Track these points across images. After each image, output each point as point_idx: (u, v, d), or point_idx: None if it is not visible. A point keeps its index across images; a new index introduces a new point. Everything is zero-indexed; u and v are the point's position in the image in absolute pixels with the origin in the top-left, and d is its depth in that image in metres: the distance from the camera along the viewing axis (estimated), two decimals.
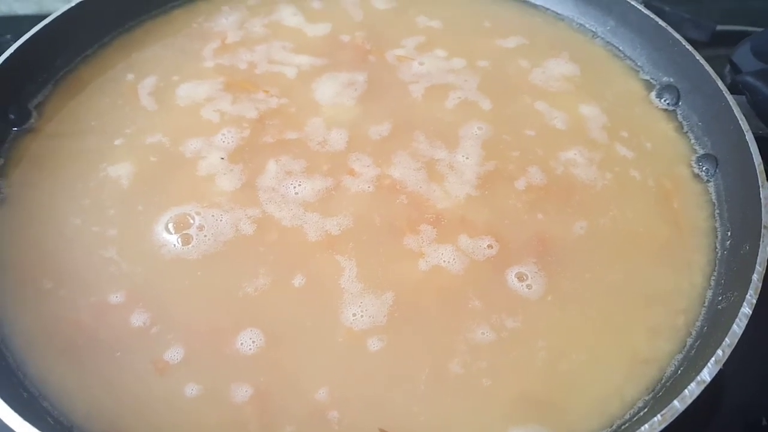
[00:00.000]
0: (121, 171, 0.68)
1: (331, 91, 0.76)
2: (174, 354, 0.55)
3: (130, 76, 0.78)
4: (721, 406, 0.65)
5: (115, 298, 0.58)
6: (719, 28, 0.98)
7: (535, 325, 0.57)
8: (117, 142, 0.70)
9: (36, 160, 0.69)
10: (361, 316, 0.57)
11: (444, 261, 0.61)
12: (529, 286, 0.59)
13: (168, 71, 0.78)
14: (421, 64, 0.79)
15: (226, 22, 0.85)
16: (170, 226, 0.63)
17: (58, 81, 0.77)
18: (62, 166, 0.68)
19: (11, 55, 0.70)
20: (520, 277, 0.60)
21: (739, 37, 0.90)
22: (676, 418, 0.47)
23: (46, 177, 0.68)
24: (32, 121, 0.72)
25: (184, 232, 0.62)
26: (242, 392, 0.53)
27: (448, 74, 0.78)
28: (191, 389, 0.53)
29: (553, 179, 0.67)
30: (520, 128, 0.72)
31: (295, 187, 0.66)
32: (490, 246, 0.62)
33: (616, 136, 0.72)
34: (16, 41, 0.71)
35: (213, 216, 0.63)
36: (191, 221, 0.63)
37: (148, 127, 0.72)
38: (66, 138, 0.71)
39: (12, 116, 0.71)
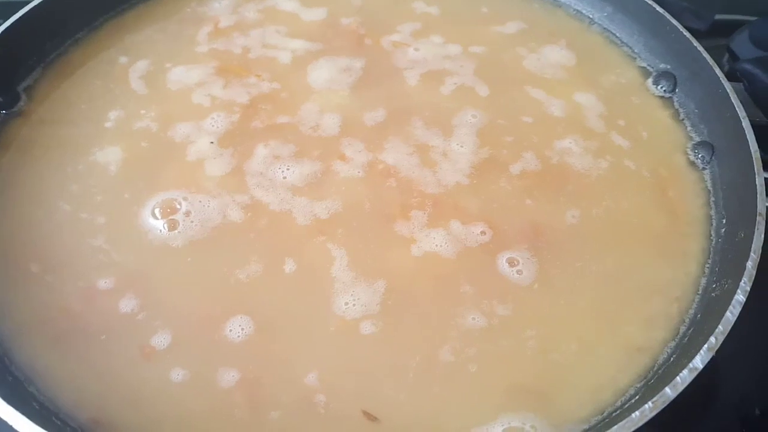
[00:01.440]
0: (110, 156, 0.67)
1: (326, 76, 0.75)
2: (161, 340, 0.54)
3: (123, 60, 0.77)
4: (715, 396, 0.64)
5: (104, 283, 0.58)
6: (718, 17, 0.97)
7: (526, 312, 0.57)
8: (107, 126, 0.70)
9: (25, 144, 0.68)
10: (354, 305, 0.56)
11: (436, 246, 0.60)
12: (519, 272, 0.59)
13: (160, 55, 0.77)
14: (416, 50, 0.78)
15: (219, 7, 0.84)
16: (157, 211, 0.62)
17: (48, 64, 0.76)
18: (51, 150, 0.68)
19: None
20: (512, 263, 0.59)
21: (738, 25, 0.89)
22: (671, 406, 0.46)
23: (36, 161, 0.67)
24: (21, 104, 0.71)
25: (170, 217, 0.61)
26: (229, 377, 0.53)
27: (444, 60, 0.77)
28: (178, 374, 0.53)
29: (548, 167, 0.67)
30: (516, 115, 0.71)
31: (283, 172, 0.65)
32: (483, 232, 0.61)
33: (612, 124, 0.71)
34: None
35: (200, 202, 0.63)
36: (178, 207, 0.62)
37: (138, 111, 0.71)
38: (55, 122, 0.70)
39: (1, 99, 0.70)
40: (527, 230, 0.61)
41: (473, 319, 0.56)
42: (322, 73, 0.75)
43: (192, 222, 0.61)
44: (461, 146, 0.68)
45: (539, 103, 0.73)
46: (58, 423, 0.49)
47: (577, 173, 0.66)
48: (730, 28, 0.91)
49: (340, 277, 0.58)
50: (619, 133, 0.70)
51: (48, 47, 0.76)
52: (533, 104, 0.73)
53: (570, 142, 0.69)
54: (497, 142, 0.68)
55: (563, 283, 0.59)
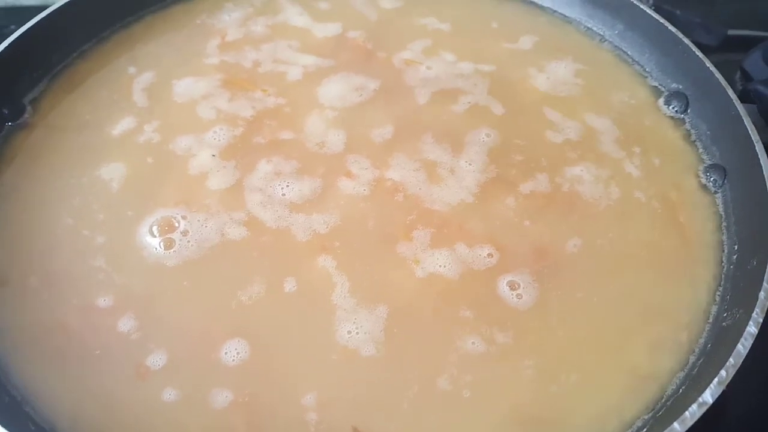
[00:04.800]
0: (114, 170, 0.66)
1: (335, 92, 0.74)
2: (157, 360, 0.53)
3: (131, 70, 0.76)
4: (723, 424, 0.63)
5: (102, 302, 0.57)
6: (731, 32, 0.95)
7: (529, 338, 0.55)
8: (111, 138, 0.69)
9: (29, 156, 0.68)
10: (357, 333, 0.55)
11: (440, 267, 0.59)
12: (519, 296, 0.57)
13: (168, 67, 0.77)
14: (428, 68, 0.77)
15: (229, 19, 0.83)
16: (155, 229, 0.61)
17: (55, 76, 0.76)
18: (55, 162, 0.67)
19: (5, 49, 0.68)
20: (512, 286, 0.58)
21: (751, 41, 0.88)
22: None
23: (39, 173, 0.66)
24: (27, 116, 0.71)
25: (167, 236, 0.61)
26: (223, 398, 0.52)
27: (457, 79, 0.76)
28: (170, 394, 0.52)
29: (557, 191, 0.65)
30: (527, 136, 0.70)
31: (283, 189, 0.64)
32: (490, 254, 0.60)
33: (627, 149, 0.69)
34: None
35: (199, 220, 0.62)
36: (176, 225, 0.62)
37: (142, 124, 0.70)
38: (60, 134, 0.70)
39: (6, 111, 0.70)
40: (531, 253, 0.60)
41: (473, 344, 0.55)
42: (331, 90, 0.74)
43: (188, 242, 0.60)
44: (470, 164, 0.67)
45: (551, 124, 0.71)
46: None
47: (586, 201, 0.65)
48: (743, 43, 0.90)
49: (341, 304, 0.57)
50: (631, 160, 0.68)
51: (54, 59, 0.76)
52: (545, 124, 0.71)
53: (581, 170, 0.67)
54: (508, 163, 0.67)
55: (571, 306, 0.57)
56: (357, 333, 0.55)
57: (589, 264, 0.60)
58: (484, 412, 0.52)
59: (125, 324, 0.55)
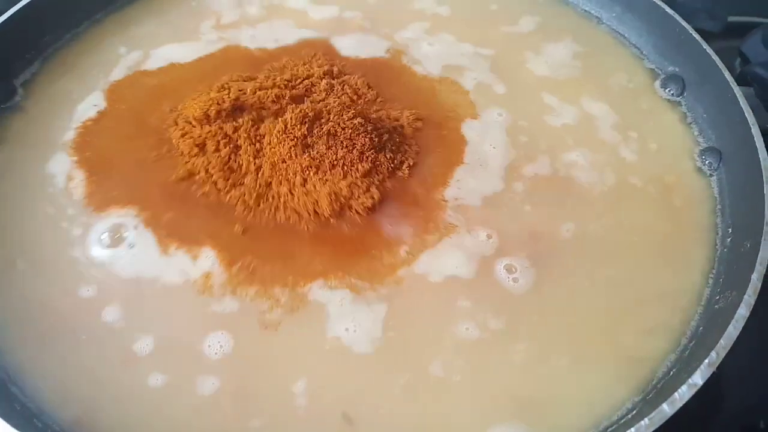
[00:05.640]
0: None
1: (347, 43, 0.77)
2: (144, 346, 0.53)
3: (122, 51, 0.76)
4: (718, 408, 0.63)
5: (86, 291, 0.56)
6: (731, 19, 0.94)
7: (521, 320, 0.55)
8: None
9: (20, 139, 0.68)
10: (354, 330, 0.54)
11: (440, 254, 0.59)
12: (515, 280, 0.57)
13: (160, 46, 0.77)
14: (431, 45, 0.78)
15: (224, 1, 0.83)
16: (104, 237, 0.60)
17: (47, 58, 0.75)
18: (44, 146, 0.67)
19: None
20: (509, 269, 0.58)
21: (751, 28, 0.87)
22: (673, 419, 0.44)
23: (29, 156, 0.66)
24: (18, 99, 0.71)
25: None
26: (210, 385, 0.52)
27: (461, 57, 0.76)
28: (157, 379, 0.52)
29: (555, 175, 0.65)
30: (528, 119, 0.70)
31: None
32: (489, 236, 0.60)
33: (620, 129, 0.69)
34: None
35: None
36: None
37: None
38: (52, 117, 0.69)
39: None
40: (527, 237, 0.60)
41: (467, 329, 0.54)
42: (344, 42, 0.77)
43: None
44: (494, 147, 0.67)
45: (550, 109, 0.71)
46: (39, 425, 0.48)
47: (581, 186, 0.64)
48: (744, 30, 0.89)
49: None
50: (627, 145, 0.68)
51: (46, 41, 0.75)
52: (546, 109, 0.71)
53: (577, 155, 0.67)
54: (517, 144, 0.68)
55: (563, 289, 0.57)
56: (355, 331, 0.54)
57: (583, 248, 0.60)
58: (478, 392, 0.52)
59: (111, 311, 0.55)
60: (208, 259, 0.58)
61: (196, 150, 0.64)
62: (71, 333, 0.54)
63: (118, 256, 0.58)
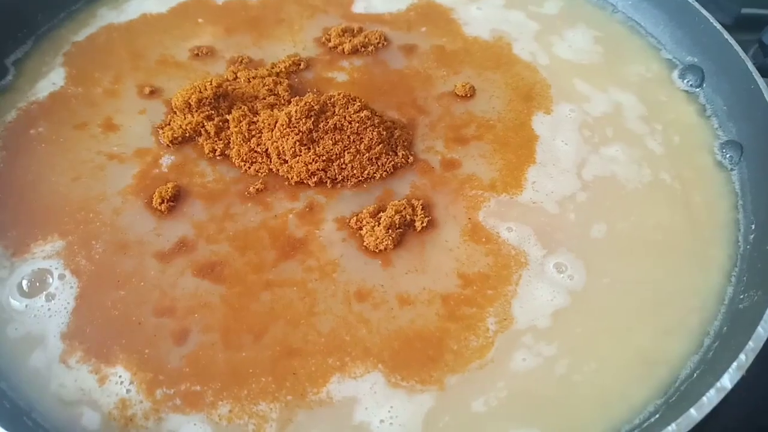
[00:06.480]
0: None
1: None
2: None
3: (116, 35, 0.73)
4: (731, 410, 0.60)
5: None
6: (744, 11, 0.92)
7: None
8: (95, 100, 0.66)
9: (9, 121, 0.65)
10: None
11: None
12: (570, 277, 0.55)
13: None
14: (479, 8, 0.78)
15: None
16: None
17: (40, 37, 0.72)
18: (35, 125, 0.64)
19: None
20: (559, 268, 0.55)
21: (765, 20, 0.84)
22: None
23: (19, 140, 0.63)
24: (10, 78, 0.68)
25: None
26: None
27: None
28: None
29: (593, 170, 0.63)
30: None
31: None
32: None
33: (647, 121, 0.67)
34: None
35: None
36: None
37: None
38: (44, 98, 0.66)
39: None
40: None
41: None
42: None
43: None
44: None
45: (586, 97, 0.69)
46: (30, 423, 0.46)
47: (619, 181, 0.62)
48: (757, 22, 0.87)
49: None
50: (654, 138, 0.65)
51: (40, 19, 0.72)
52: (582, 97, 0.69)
53: (617, 150, 0.64)
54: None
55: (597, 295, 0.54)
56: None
57: (610, 243, 0.57)
58: None
59: None
60: None
61: None
62: None
63: None
